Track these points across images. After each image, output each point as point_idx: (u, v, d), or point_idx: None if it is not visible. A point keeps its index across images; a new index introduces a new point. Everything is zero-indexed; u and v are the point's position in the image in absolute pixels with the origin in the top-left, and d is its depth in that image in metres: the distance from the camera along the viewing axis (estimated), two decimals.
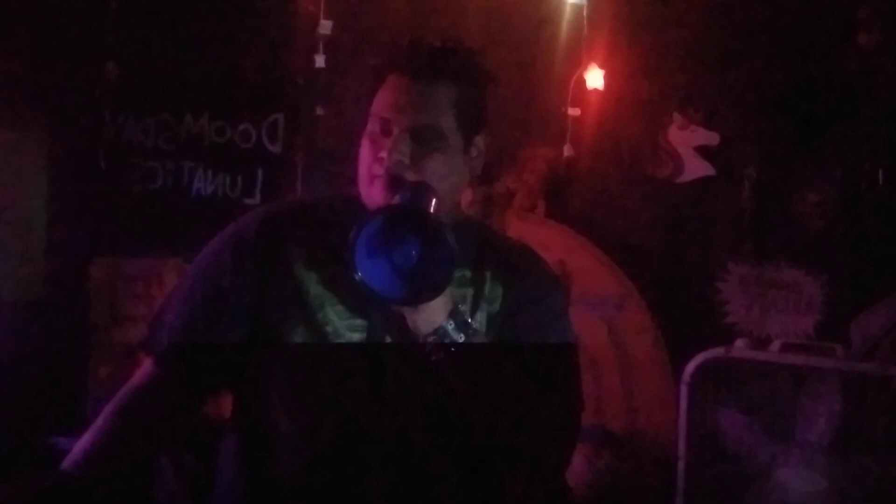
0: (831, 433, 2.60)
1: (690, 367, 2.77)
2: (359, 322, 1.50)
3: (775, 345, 2.80)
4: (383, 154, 1.47)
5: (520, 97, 3.29)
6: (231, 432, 1.60)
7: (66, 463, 1.55)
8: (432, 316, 1.37)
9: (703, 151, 3.16)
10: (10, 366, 3.21)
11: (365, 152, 1.51)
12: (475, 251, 1.54)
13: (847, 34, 2.94)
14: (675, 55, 3.20)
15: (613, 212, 3.30)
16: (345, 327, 1.50)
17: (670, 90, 3.20)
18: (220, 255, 1.57)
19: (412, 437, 1.50)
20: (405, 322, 1.38)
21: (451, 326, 1.38)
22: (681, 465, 2.75)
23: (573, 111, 3.18)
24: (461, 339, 1.38)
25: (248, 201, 3.61)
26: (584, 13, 3.15)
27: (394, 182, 1.44)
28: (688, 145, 3.17)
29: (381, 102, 1.51)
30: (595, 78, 3.18)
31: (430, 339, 1.38)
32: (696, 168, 3.17)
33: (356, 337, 1.50)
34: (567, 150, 3.19)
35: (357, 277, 1.32)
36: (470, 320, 1.42)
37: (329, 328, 1.50)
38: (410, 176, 1.45)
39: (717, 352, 2.76)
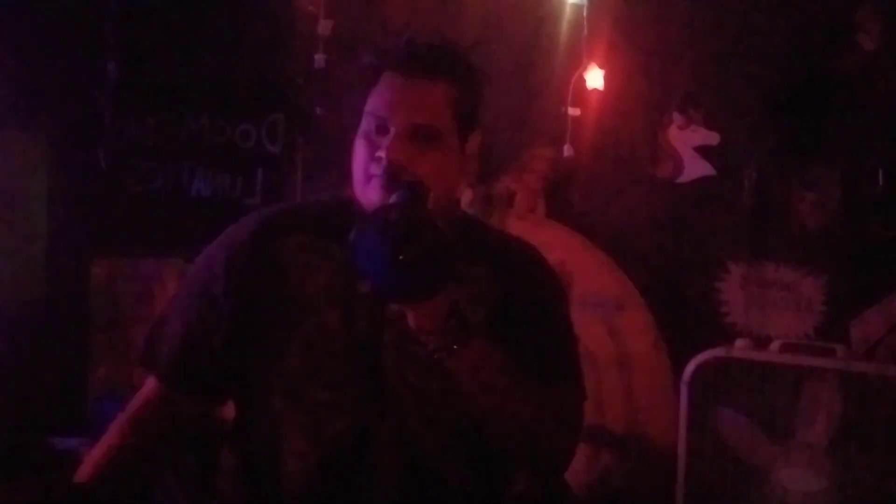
0: (831, 433, 2.60)
1: (690, 367, 2.77)
2: (359, 324, 1.50)
3: (775, 345, 2.80)
4: (381, 153, 1.46)
5: (520, 97, 3.29)
6: (233, 436, 1.59)
7: (78, 477, 1.54)
8: (433, 314, 1.36)
9: (703, 151, 3.16)
10: (10, 366, 3.21)
11: (360, 152, 1.50)
12: (472, 247, 1.54)
13: (847, 34, 2.94)
14: (675, 55, 3.20)
15: (613, 212, 3.30)
16: (344, 330, 1.49)
17: (670, 90, 3.19)
18: (214, 265, 1.56)
19: (417, 439, 1.49)
20: (406, 322, 1.38)
21: (451, 324, 1.37)
22: (681, 465, 2.75)
23: (573, 111, 3.17)
24: (463, 336, 1.38)
25: (248, 201, 3.61)
26: (584, 13, 3.15)
27: (391, 181, 1.44)
28: (688, 145, 3.17)
29: (377, 101, 1.50)
30: (595, 78, 3.18)
31: (432, 337, 1.37)
32: (696, 168, 3.17)
33: (356, 339, 1.49)
34: (567, 150, 3.18)
35: (357, 277, 1.32)
36: (470, 317, 1.42)
37: (328, 331, 1.50)
38: (408, 175, 1.45)
39: (717, 352, 2.76)
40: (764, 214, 3.09)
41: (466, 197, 3.21)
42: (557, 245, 3.02)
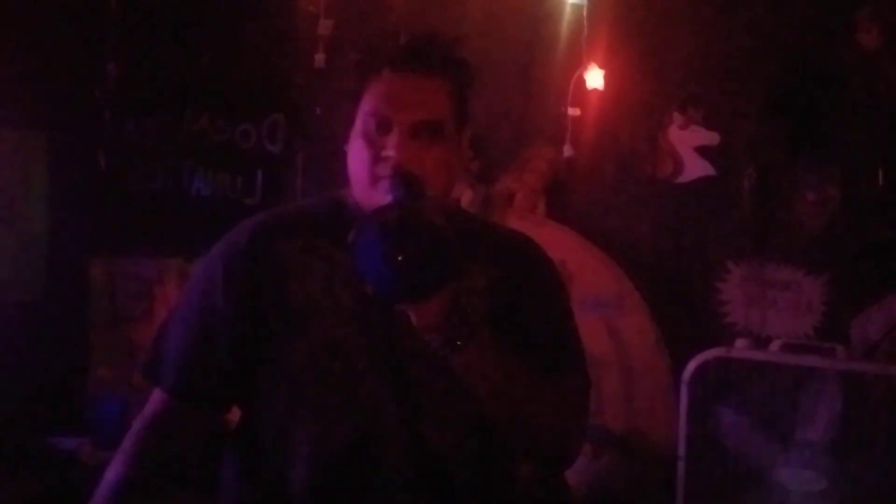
0: (831, 433, 2.60)
1: (690, 367, 2.77)
2: (361, 326, 1.49)
3: (775, 345, 2.80)
4: (388, 153, 1.44)
5: (520, 97, 3.29)
6: (237, 441, 1.58)
7: (97, 499, 1.52)
8: (436, 312, 1.35)
9: (703, 151, 3.16)
10: (10, 366, 3.21)
11: (362, 153, 1.48)
12: (471, 242, 1.52)
13: (847, 34, 2.94)
14: (675, 55, 3.20)
15: (613, 212, 3.30)
16: (347, 333, 1.49)
17: (670, 90, 3.19)
18: (213, 273, 1.55)
19: (424, 439, 1.48)
20: (408, 321, 1.37)
21: (454, 320, 1.36)
22: (681, 465, 2.75)
23: (573, 111, 3.17)
24: (465, 332, 1.37)
25: (248, 201, 3.61)
26: (584, 13, 3.15)
27: (401, 182, 1.42)
28: (688, 145, 3.17)
29: (378, 100, 1.48)
30: (595, 78, 3.18)
31: (435, 336, 1.37)
32: (696, 168, 3.17)
33: (359, 341, 1.49)
34: (567, 150, 3.18)
35: (360, 277, 1.32)
36: (472, 313, 1.41)
37: (331, 334, 1.49)
38: (415, 173, 1.43)
39: (717, 352, 2.76)
40: (764, 214, 3.09)
41: (466, 197, 3.21)
42: (557, 245, 3.02)
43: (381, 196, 1.43)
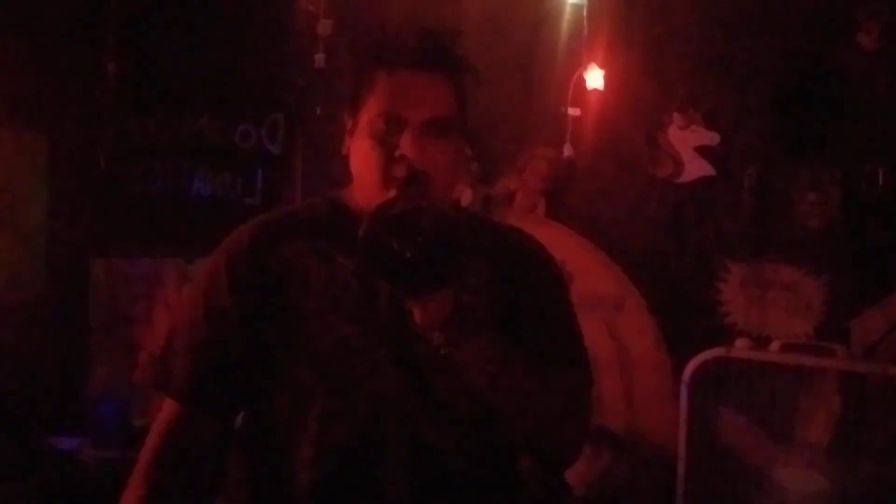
0: (831, 433, 2.60)
1: (690, 367, 2.77)
2: (362, 328, 1.48)
3: (775, 345, 2.80)
4: (403, 152, 1.42)
5: (520, 97, 3.29)
6: (241, 440, 1.57)
7: None
8: (439, 309, 1.35)
9: (703, 151, 3.16)
10: (10, 366, 3.21)
11: (371, 154, 1.45)
12: (472, 240, 1.52)
13: (847, 34, 2.94)
14: (675, 55, 3.20)
15: (613, 212, 3.30)
16: (348, 335, 1.48)
17: (670, 90, 3.19)
18: (217, 278, 1.53)
19: (427, 439, 1.48)
20: (411, 321, 1.37)
21: (457, 318, 1.36)
22: (681, 465, 2.75)
23: (573, 111, 3.17)
24: (468, 329, 1.37)
25: (248, 201, 3.61)
26: (584, 13, 3.15)
27: (416, 180, 1.40)
28: (688, 145, 3.17)
29: (387, 98, 1.45)
30: (595, 78, 3.18)
31: (438, 333, 1.36)
32: (696, 168, 3.17)
33: (361, 344, 1.48)
34: (567, 150, 3.18)
35: (368, 272, 1.31)
36: (474, 310, 1.41)
37: (332, 337, 1.48)
38: (428, 171, 1.41)
39: (717, 352, 2.76)
40: (764, 214, 3.09)
41: (466, 197, 3.21)
42: (557, 245, 3.00)
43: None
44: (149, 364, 3.37)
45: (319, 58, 3.28)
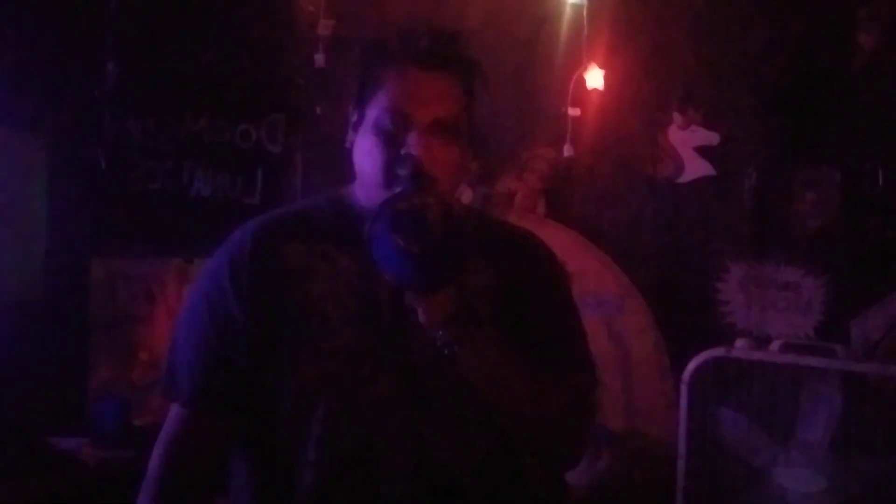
0: (831, 433, 2.59)
1: (690, 367, 2.77)
2: (366, 330, 1.47)
3: (775, 345, 2.80)
4: (409, 151, 1.41)
5: (520, 97, 3.29)
6: (244, 442, 1.56)
7: None
8: (442, 308, 1.34)
9: (703, 151, 3.16)
10: (10, 366, 3.21)
11: (376, 151, 1.45)
12: (476, 238, 1.50)
13: (847, 34, 2.94)
14: (675, 55, 3.20)
15: (613, 212, 3.30)
16: (352, 337, 1.47)
17: (670, 90, 3.19)
18: (221, 280, 1.52)
19: (431, 440, 1.47)
20: (414, 322, 1.36)
21: (461, 317, 1.35)
22: (681, 465, 2.75)
23: (573, 111, 3.17)
24: (472, 328, 1.36)
25: (248, 201, 3.61)
26: (584, 13, 3.15)
27: (422, 180, 1.39)
28: (688, 145, 3.17)
29: (396, 96, 1.44)
30: (595, 78, 3.18)
31: (442, 332, 1.35)
32: (696, 168, 3.17)
33: (364, 346, 1.47)
34: (567, 150, 3.18)
35: (374, 267, 1.31)
36: (478, 309, 1.40)
37: (336, 339, 1.47)
38: (434, 171, 1.41)
39: (717, 352, 2.76)
40: (764, 214, 3.09)
41: (466, 197, 3.21)
42: (557, 245, 3.01)
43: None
44: (150, 366, 3.37)
45: (319, 58, 3.28)
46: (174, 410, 1.56)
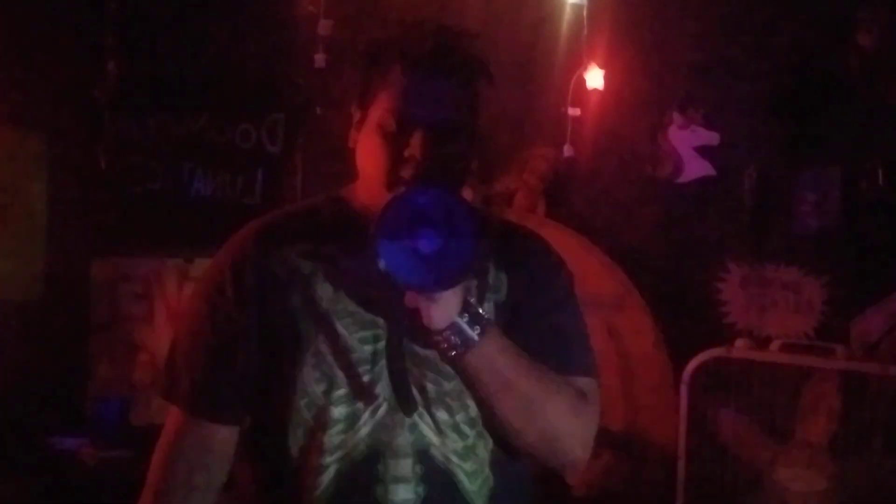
0: (831, 433, 2.60)
1: (690, 367, 2.77)
2: (371, 329, 1.46)
3: (775, 345, 2.80)
4: (412, 153, 1.40)
5: (520, 97, 3.29)
6: (248, 444, 1.55)
7: None
8: (447, 310, 1.33)
9: (703, 151, 3.16)
10: (10, 366, 3.21)
11: (379, 153, 1.43)
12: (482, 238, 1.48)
13: (847, 34, 2.94)
14: (675, 55, 3.20)
15: (613, 212, 3.30)
16: (354, 341, 1.46)
17: (670, 90, 3.19)
18: (222, 283, 1.50)
19: (434, 445, 1.46)
20: (418, 326, 1.35)
21: (464, 320, 1.34)
22: (681, 465, 2.75)
23: (573, 111, 3.17)
24: (476, 331, 1.35)
25: (248, 201, 3.61)
26: (584, 13, 3.15)
27: (425, 182, 1.37)
28: (688, 145, 3.17)
29: (399, 98, 1.42)
30: (595, 78, 3.18)
31: (446, 334, 1.34)
32: (696, 168, 3.17)
33: (367, 350, 1.46)
34: (567, 150, 3.18)
35: (380, 266, 1.30)
36: (482, 312, 1.38)
37: (338, 344, 1.46)
38: (436, 173, 1.39)
39: (717, 352, 2.77)
40: (764, 214, 3.09)
41: (467, 197, 3.20)
42: (557, 245, 3.01)
43: None
44: (150, 366, 3.37)
45: (319, 58, 3.28)
46: (174, 414, 1.54)
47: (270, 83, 3.64)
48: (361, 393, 1.45)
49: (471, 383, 1.41)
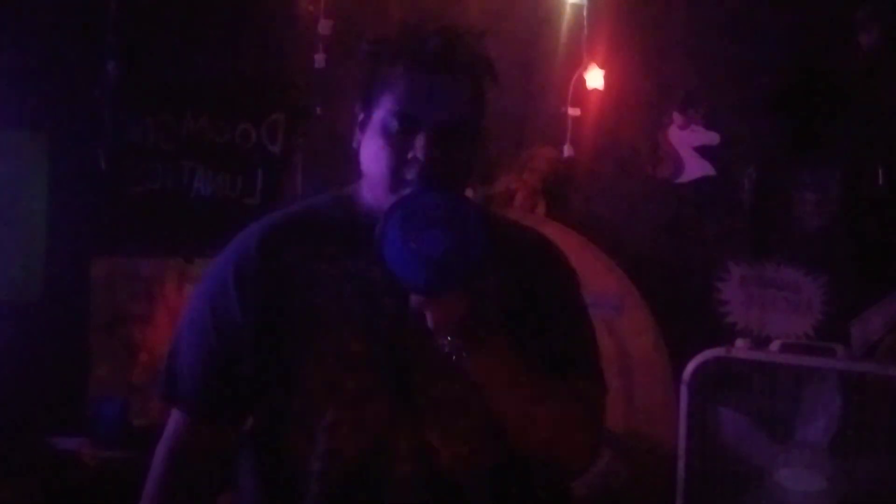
0: (831, 433, 2.59)
1: (690, 367, 2.77)
2: (373, 338, 1.44)
3: (775, 345, 2.80)
4: (416, 155, 1.38)
5: (520, 97, 3.29)
6: (252, 441, 1.55)
7: None
8: (451, 313, 1.32)
9: (703, 151, 3.16)
10: (10, 366, 3.21)
11: (383, 154, 1.42)
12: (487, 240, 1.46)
13: (847, 34, 2.94)
14: (675, 55, 3.20)
15: (613, 212, 3.30)
16: (358, 345, 1.45)
17: (670, 90, 3.19)
18: (225, 284, 1.49)
19: (437, 451, 1.44)
20: (422, 330, 1.34)
21: (470, 322, 1.33)
22: (681, 465, 2.75)
23: (573, 111, 3.18)
24: (481, 334, 1.34)
25: (248, 201, 3.61)
26: (584, 13, 3.15)
27: (429, 183, 1.36)
28: (688, 145, 3.17)
29: (403, 98, 1.41)
30: (595, 78, 3.18)
31: (450, 338, 1.33)
32: (696, 168, 3.17)
33: (371, 354, 1.44)
34: (567, 150, 3.19)
35: (385, 268, 1.29)
36: (487, 315, 1.37)
37: (342, 348, 1.44)
38: (441, 175, 1.38)
39: (717, 352, 2.76)
40: (764, 214, 3.09)
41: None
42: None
43: None
44: (150, 366, 3.37)
45: (319, 58, 3.28)
46: (175, 416, 1.54)
47: (270, 83, 3.64)
48: (364, 396, 1.44)
49: (475, 387, 1.39)
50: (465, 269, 1.29)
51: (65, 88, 3.43)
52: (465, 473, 1.46)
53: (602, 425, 1.56)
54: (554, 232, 3.12)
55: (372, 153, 1.44)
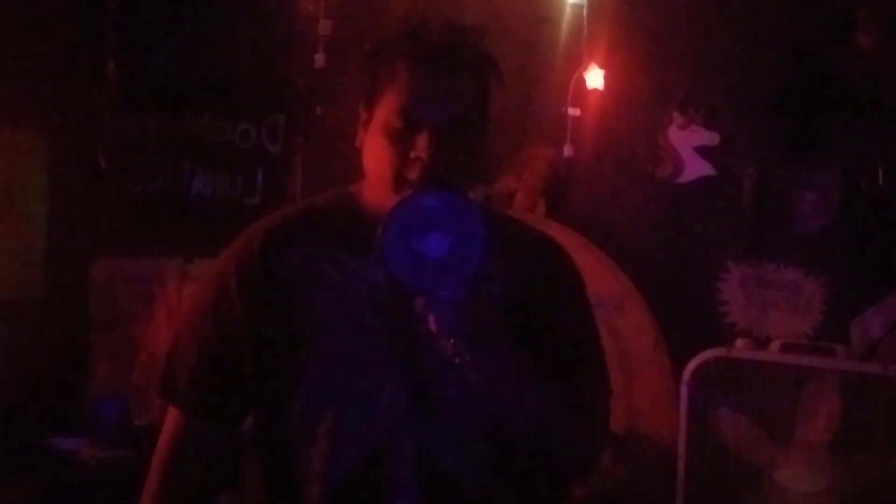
0: (831, 433, 2.60)
1: (690, 367, 2.77)
2: (375, 339, 1.44)
3: (775, 345, 2.80)
4: (419, 154, 1.37)
5: (520, 97, 3.29)
6: (254, 441, 1.54)
7: None
8: (455, 315, 1.31)
9: (703, 151, 3.16)
10: (9, 366, 3.21)
11: (385, 153, 1.40)
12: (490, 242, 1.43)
13: (847, 34, 2.94)
14: (675, 55, 3.20)
15: (613, 212, 3.30)
16: (360, 347, 1.44)
17: (670, 90, 3.19)
18: (226, 283, 1.48)
19: (439, 453, 1.44)
20: (424, 332, 1.32)
21: (473, 325, 1.32)
22: (681, 465, 2.75)
23: (573, 111, 3.17)
24: (484, 337, 1.33)
25: (248, 201, 3.61)
26: (584, 13, 3.15)
27: (432, 185, 1.34)
28: (688, 145, 3.17)
29: (405, 97, 1.39)
30: (595, 78, 3.18)
31: (452, 341, 1.32)
32: (696, 168, 3.17)
33: (373, 356, 1.44)
34: (567, 150, 3.19)
35: (387, 269, 1.28)
36: (490, 316, 1.36)
37: (344, 349, 1.44)
38: (445, 174, 1.37)
39: (717, 352, 2.76)
40: (764, 214, 3.09)
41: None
42: None
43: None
44: (150, 366, 3.37)
45: (319, 58, 3.28)
46: (174, 414, 1.53)
47: (270, 83, 3.64)
48: (364, 398, 1.43)
49: (476, 389, 1.38)
50: (466, 270, 1.28)
51: (65, 88, 3.43)
52: (467, 475, 1.45)
53: (606, 427, 1.55)
54: (554, 232, 3.12)
55: (375, 153, 1.43)
